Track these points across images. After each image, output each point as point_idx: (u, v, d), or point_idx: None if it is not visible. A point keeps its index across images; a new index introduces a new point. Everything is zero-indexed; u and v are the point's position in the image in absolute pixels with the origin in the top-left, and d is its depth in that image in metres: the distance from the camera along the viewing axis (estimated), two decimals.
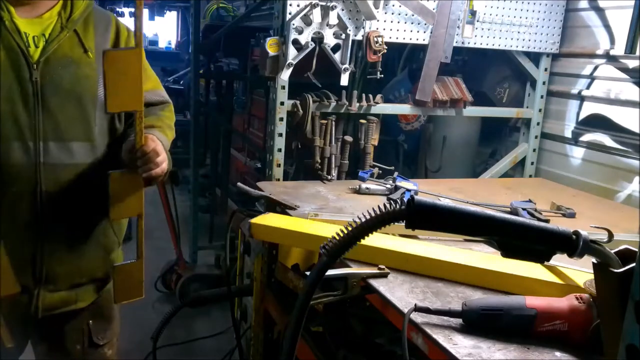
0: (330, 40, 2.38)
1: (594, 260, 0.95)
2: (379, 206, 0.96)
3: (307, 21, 2.32)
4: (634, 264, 0.79)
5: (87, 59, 1.51)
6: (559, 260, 1.22)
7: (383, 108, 2.69)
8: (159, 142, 1.52)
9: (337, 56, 2.42)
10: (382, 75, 2.57)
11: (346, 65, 2.42)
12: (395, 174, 2.45)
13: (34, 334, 1.70)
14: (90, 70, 1.51)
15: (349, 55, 2.42)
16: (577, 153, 2.83)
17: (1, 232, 1.44)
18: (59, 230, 1.54)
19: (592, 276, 1.14)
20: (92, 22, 1.56)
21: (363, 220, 0.97)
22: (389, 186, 2.32)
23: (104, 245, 1.68)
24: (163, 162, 1.52)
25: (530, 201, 2.19)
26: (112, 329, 1.80)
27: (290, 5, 2.34)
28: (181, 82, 8.55)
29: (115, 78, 1.40)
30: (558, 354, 1.16)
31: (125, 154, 1.51)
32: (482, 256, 1.58)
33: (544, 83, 2.95)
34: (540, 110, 2.98)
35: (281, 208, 2.06)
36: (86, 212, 1.58)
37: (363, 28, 2.48)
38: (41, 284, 1.54)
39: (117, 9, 11.50)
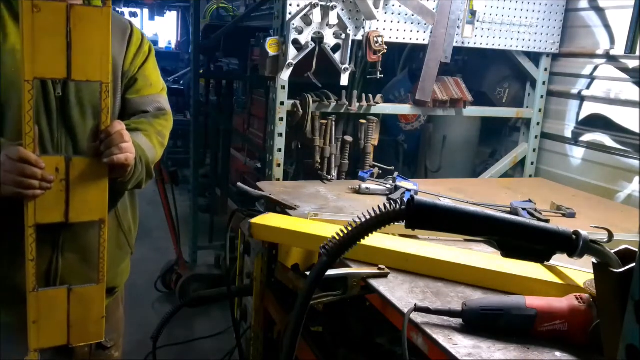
0: (330, 40, 2.38)
1: (594, 260, 0.95)
2: (379, 206, 0.96)
3: (307, 21, 2.32)
4: (634, 264, 0.79)
5: None
6: (559, 260, 1.22)
7: (383, 108, 2.69)
8: (125, 129, 1.39)
9: (337, 56, 2.42)
10: (382, 75, 2.57)
11: (346, 65, 2.42)
12: (395, 174, 2.45)
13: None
14: None
15: (349, 55, 2.42)
16: (577, 153, 2.83)
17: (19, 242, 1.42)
18: (75, 243, 1.53)
19: (592, 276, 1.14)
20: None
21: (363, 220, 0.97)
22: (389, 186, 2.32)
23: (116, 256, 1.67)
24: (128, 151, 1.38)
25: (530, 201, 2.19)
26: (119, 330, 1.80)
27: (290, 5, 2.34)
28: (181, 82, 8.55)
29: (81, 40, 1.27)
30: (558, 354, 1.16)
31: (88, 139, 1.40)
32: (482, 256, 1.58)
33: (544, 83, 2.95)
34: (540, 110, 2.98)
35: (281, 208, 2.06)
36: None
37: (363, 28, 2.48)
38: None
39: (117, 9, 11.52)
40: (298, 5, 2.34)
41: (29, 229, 1.33)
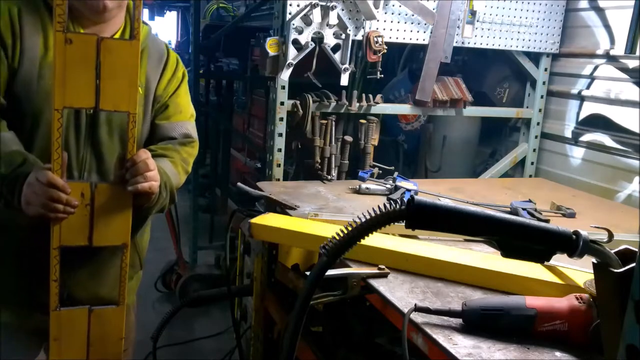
0: (330, 40, 2.38)
1: (594, 260, 0.95)
2: (379, 206, 0.96)
3: (307, 21, 2.32)
4: (634, 264, 0.79)
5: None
6: (559, 260, 1.22)
7: (383, 108, 2.69)
8: (151, 158, 1.42)
9: (337, 56, 2.42)
10: (382, 75, 2.57)
11: (346, 65, 2.42)
12: (395, 174, 2.45)
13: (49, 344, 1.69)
14: (138, 106, 1.43)
15: (349, 55, 2.42)
16: (577, 153, 2.83)
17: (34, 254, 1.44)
18: (87, 259, 1.53)
19: (592, 276, 1.14)
20: (147, 53, 1.54)
21: (363, 220, 0.97)
22: (389, 186, 2.32)
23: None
24: (153, 179, 1.40)
25: (530, 201, 2.19)
26: (129, 337, 1.79)
27: (290, 5, 2.34)
28: None
29: (110, 72, 1.30)
30: (558, 354, 1.16)
31: (114, 167, 1.43)
32: (482, 256, 1.58)
33: (544, 83, 2.95)
34: (540, 110, 2.98)
35: (281, 208, 2.06)
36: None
37: (363, 28, 2.47)
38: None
39: None
40: (298, 5, 2.34)
41: (54, 251, 1.37)
